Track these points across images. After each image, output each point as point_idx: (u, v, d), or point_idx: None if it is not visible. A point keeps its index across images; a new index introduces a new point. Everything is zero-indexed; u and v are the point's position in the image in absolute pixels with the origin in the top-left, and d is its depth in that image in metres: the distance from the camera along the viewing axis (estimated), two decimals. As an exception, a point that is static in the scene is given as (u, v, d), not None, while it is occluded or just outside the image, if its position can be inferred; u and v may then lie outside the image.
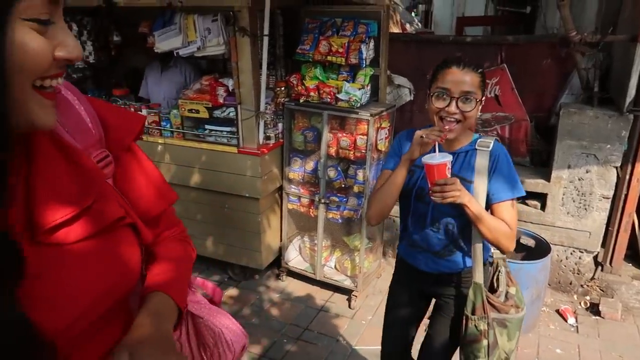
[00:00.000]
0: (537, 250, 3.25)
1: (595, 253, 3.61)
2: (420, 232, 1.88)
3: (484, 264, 1.88)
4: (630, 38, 3.13)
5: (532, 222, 3.61)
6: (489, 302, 1.82)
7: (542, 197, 3.59)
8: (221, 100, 3.16)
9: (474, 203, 1.66)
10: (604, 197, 3.42)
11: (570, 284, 3.69)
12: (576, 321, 3.39)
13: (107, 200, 0.73)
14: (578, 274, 3.66)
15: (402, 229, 2.02)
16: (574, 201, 3.49)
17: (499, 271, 1.96)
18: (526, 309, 3.06)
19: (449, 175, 1.59)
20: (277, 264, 3.78)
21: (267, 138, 3.25)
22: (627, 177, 3.38)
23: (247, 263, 3.58)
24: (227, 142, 3.25)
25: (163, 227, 0.95)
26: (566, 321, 3.39)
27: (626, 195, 3.43)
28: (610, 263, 3.63)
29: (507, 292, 1.91)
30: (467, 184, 1.72)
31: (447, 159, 1.59)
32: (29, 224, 0.64)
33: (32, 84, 0.59)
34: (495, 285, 1.93)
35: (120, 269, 0.75)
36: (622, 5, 3.58)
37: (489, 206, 1.76)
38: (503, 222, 1.72)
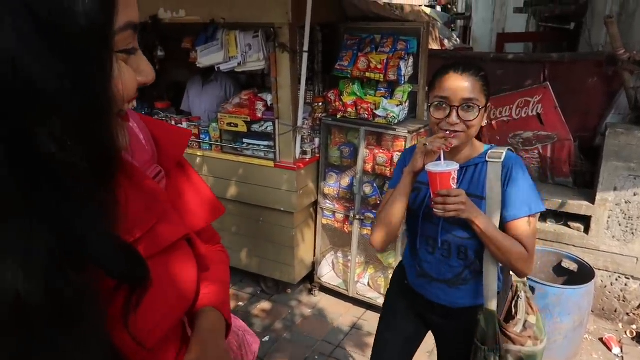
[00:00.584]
0: (580, 275, 3.12)
1: (643, 280, 3.44)
2: (429, 257, 1.69)
3: (500, 291, 1.68)
4: (683, 57, 3.00)
5: (574, 246, 3.47)
6: (502, 331, 1.61)
7: (585, 220, 3.45)
8: (259, 115, 3.20)
9: (483, 219, 1.50)
10: (653, 222, 3.27)
11: (615, 311, 3.52)
12: (621, 351, 3.23)
13: (169, 220, 0.75)
14: (624, 301, 3.49)
15: (410, 256, 1.81)
16: (620, 225, 3.35)
17: (519, 296, 1.72)
18: (568, 336, 2.96)
19: (454, 186, 1.45)
20: (310, 279, 3.77)
21: (304, 153, 3.26)
22: (679, 201, 3.22)
23: (280, 277, 3.58)
24: (264, 156, 3.29)
25: (205, 239, 0.95)
26: (610, 350, 3.24)
27: (677, 221, 3.27)
28: (659, 291, 3.45)
29: (525, 321, 1.68)
30: (479, 200, 1.56)
31: (453, 167, 1.45)
32: None
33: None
34: (514, 311, 1.71)
35: (182, 285, 0.76)
36: (674, 22, 3.45)
37: (503, 224, 1.58)
38: (518, 242, 1.54)
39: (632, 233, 3.33)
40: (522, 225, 1.55)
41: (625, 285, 3.46)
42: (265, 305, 3.64)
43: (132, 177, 0.71)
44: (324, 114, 3.37)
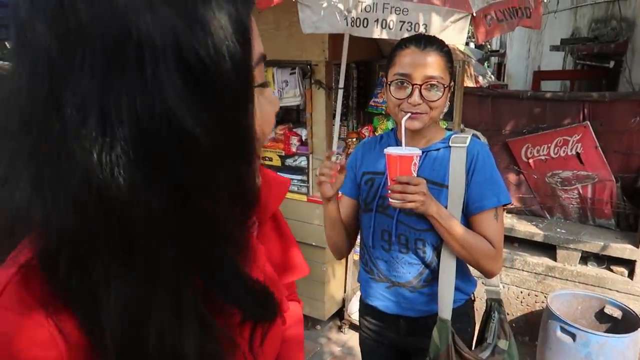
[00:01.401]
0: (624, 322, 2.96)
1: (693, 331, 3.24)
2: (385, 255, 1.49)
3: (467, 301, 1.53)
4: None
5: (618, 291, 3.31)
6: (457, 350, 1.41)
7: (629, 264, 3.31)
8: (294, 149, 3.24)
9: (444, 213, 1.34)
10: (702, 269, 3.10)
11: (664, 363, 3.31)
12: (671, 407, 3.02)
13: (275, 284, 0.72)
14: (672, 353, 3.29)
15: (363, 259, 1.60)
16: (666, 270, 3.19)
17: (492, 317, 1.56)
18: (612, 389, 2.79)
19: (414, 174, 1.29)
20: (340, 316, 3.71)
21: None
22: None
23: (310, 312, 3.54)
24: (297, 190, 3.31)
25: (289, 286, 0.92)
26: (659, 406, 3.03)
27: None
28: None
29: (495, 346, 1.50)
30: (439, 189, 1.40)
31: (415, 152, 1.30)
32: None
33: None
34: (486, 334, 1.54)
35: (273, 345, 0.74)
36: None
37: (467, 218, 1.43)
38: (484, 238, 1.39)
39: (680, 280, 3.16)
40: (489, 219, 1.40)
41: (674, 335, 3.26)
42: (293, 341, 3.58)
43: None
44: (358, 150, 3.39)
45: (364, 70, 3.46)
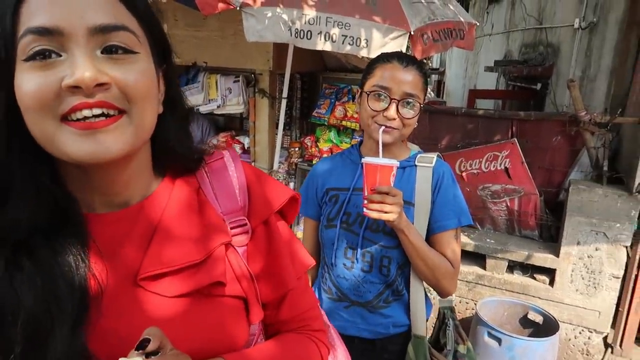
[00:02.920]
0: (545, 327, 3.17)
1: (605, 334, 3.51)
2: (347, 273, 1.46)
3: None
4: (639, 121, 3.20)
5: (540, 298, 3.54)
6: None
7: (550, 273, 3.54)
8: (236, 157, 3.23)
9: (413, 229, 1.34)
10: (614, 277, 3.37)
11: (580, 365, 3.56)
12: (585, 406, 3.24)
13: (216, 263, 0.71)
14: (587, 354, 3.54)
15: (322, 277, 1.56)
16: (583, 278, 3.44)
17: (446, 324, 1.59)
18: (533, 390, 2.96)
19: (392, 185, 1.27)
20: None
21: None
22: (638, 257, 3.34)
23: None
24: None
25: (285, 313, 0.84)
26: (575, 405, 3.25)
27: (636, 276, 3.38)
28: (621, 345, 3.51)
29: (456, 351, 1.55)
30: (407, 206, 1.38)
31: (394, 163, 1.27)
32: (139, 267, 0.66)
33: (62, 117, 0.58)
34: (442, 342, 1.57)
35: (207, 334, 0.71)
36: (631, 88, 3.69)
37: (428, 236, 1.43)
38: (444, 257, 1.40)
39: (594, 287, 3.42)
40: (449, 238, 1.41)
41: (589, 338, 3.52)
42: None
43: (199, 210, 0.73)
44: (300, 159, 3.43)
45: (308, 81, 3.53)
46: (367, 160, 1.28)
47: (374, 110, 1.36)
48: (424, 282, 1.46)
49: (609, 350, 3.53)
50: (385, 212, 1.24)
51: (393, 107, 1.34)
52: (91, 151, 0.59)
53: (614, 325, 3.51)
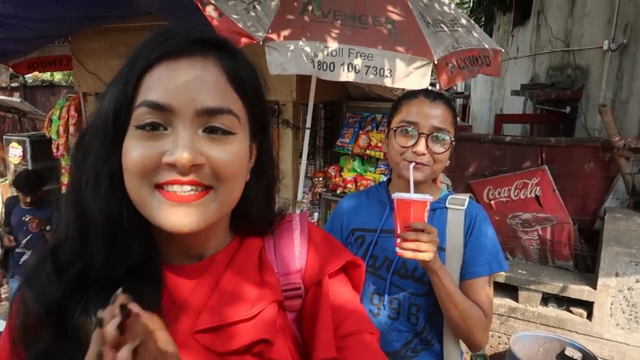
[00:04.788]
0: (584, 364, 3.00)
1: (650, 371, 3.30)
2: (374, 320, 1.35)
3: None
4: (677, 146, 3.07)
5: (577, 332, 3.37)
6: None
7: (588, 306, 3.37)
8: (260, 188, 3.22)
9: (447, 273, 1.24)
10: (657, 311, 3.19)
11: (623, 405, 3.35)
12: None
13: (265, 321, 0.71)
14: (631, 394, 3.33)
15: None
16: (623, 312, 3.26)
17: None
18: None
19: (426, 221, 1.18)
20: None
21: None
22: (682, 290, 3.16)
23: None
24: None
25: None
26: None
27: (681, 310, 3.19)
28: (668, 384, 3.30)
29: None
30: (438, 251, 1.25)
31: (428, 198, 1.18)
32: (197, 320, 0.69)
33: (156, 184, 0.63)
34: None
35: None
36: (667, 111, 3.56)
37: (461, 281, 1.33)
38: (477, 306, 1.29)
39: (637, 321, 3.23)
40: (482, 286, 1.31)
41: (632, 376, 3.32)
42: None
43: (262, 271, 0.74)
44: (324, 189, 3.40)
45: (331, 111, 3.52)
46: (399, 195, 1.19)
47: (402, 146, 1.30)
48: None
49: (655, 389, 3.32)
50: (421, 251, 1.14)
51: (422, 141, 1.28)
52: (177, 222, 0.63)
53: (658, 362, 3.31)
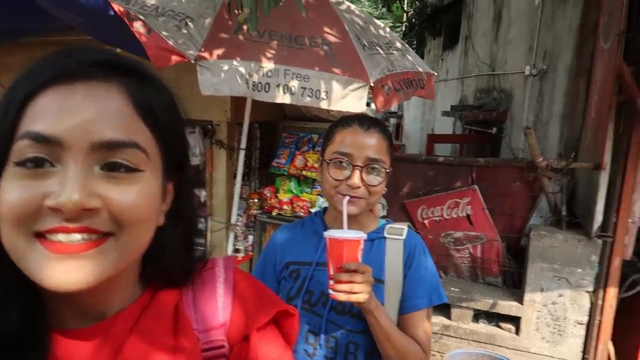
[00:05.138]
0: (514, 379, 3.09)
1: (574, 382, 3.46)
2: (308, 357, 1.29)
3: None
4: (594, 166, 3.27)
5: (507, 347, 3.47)
6: None
7: (516, 321, 3.49)
8: (192, 211, 3.09)
9: (383, 311, 1.19)
10: (578, 323, 3.36)
11: (550, 416, 3.48)
12: None
13: None
14: (557, 404, 3.47)
15: None
16: (548, 326, 3.41)
17: None
18: None
19: (360, 261, 1.13)
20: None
21: (236, 251, 3.15)
22: (600, 302, 3.35)
23: None
24: (195, 253, 3.13)
25: None
26: None
27: (600, 322, 3.38)
28: (590, 393, 3.47)
29: None
30: (376, 284, 1.22)
31: (361, 235, 1.13)
32: None
33: (36, 233, 0.51)
34: None
35: None
36: (583, 133, 3.80)
37: (399, 315, 1.28)
38: (414, 341, 1.24)
39: (560, 334, 3.39)
40: (420, 319, 1.26)
41: (558, 387, 3.46)
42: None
43: (177, 331, 0.63)
44: (259, 211, 3.32)
45: (267, 131, 3.47)
46: (330, 234, 1.13)
47: (336, 179, 1.24)
48: None
49: (578, 398, 3.48)
50: (355, 293, 1.09)
51: (356, 174, 1.23)
52: (63, 280, 0.51)
53: (581, 372, 3.47)
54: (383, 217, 1.43)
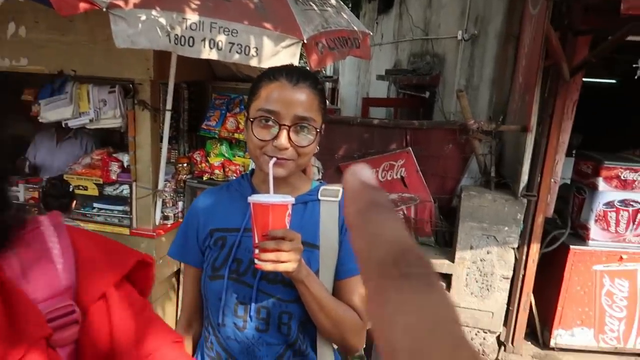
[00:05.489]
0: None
1: (498, 333, 3.66)
2: (239, 334, 1.17)
3: None
4: (521, 128, 3.37)
5: (439, 304, 3.59)
6: None
7: (447, 278, 3.61)
8: (114, 177, 2.87)
9: (314, 279, 1.12)
10: (504, 278, 3.52)
11: (477, 366, 3.67)
12: (485, 407, 3.34)
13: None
14: (483, 354, 3.66)
15: (207, 342, 1.24)
16: (476, 281, 3.55)
17: None
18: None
19: (288, 227, 1.06)
20: (173, 357, 3.38)
21: (165, 218, 2.98)
22: (524, 258, 3.52)
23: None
24: (119, 222, 2.94)
25: None
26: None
27: (524, 276, 3.56)
28: (512, 342, 3.68)
29: None
30: (310, 250, 1.16)
31: (289, 200, 1.05)
32: None
33: None
34: None
35: None
36: (510, 96, 3.91)
37: (335, 281, 1.20)
38: (351, 309, 1.17)
39: (487, 289, 3.54)
40: (357, 285, 1.18)
41: (484, 339, 3.64)
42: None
43: (7, 303, 0.55)
44: (189, 176, 3.14)
45: (195, 92, 3.26)
46: (255, 199, 1.03)
47: (261, 139, 1.11)
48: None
49: (502, 348, 3.69)
50: (282, 262, 1.01)
51: (283, 134, 1.10)
52: None
53: (505, 323, 3.67)
54: (318, 180, 1.33)
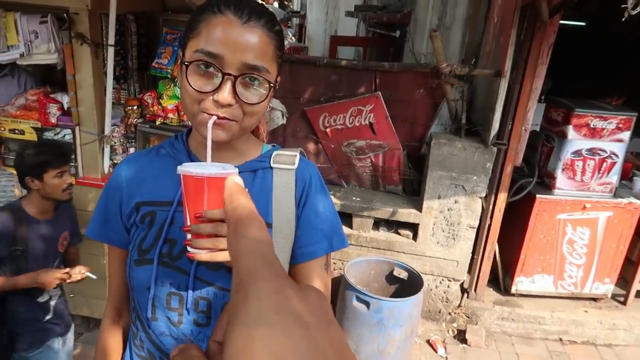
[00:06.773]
0: (410, 282, 3.17)
1: (462, 281, 3.67)
2: (174, 330, 0.97)
3: None
4: (495, 73, 3.21)
5: (404, 252, 3.55)
6: None
7: (414, 227, 3.55)
8: (53, 120, 2.58)
9: None
10: (470, 227, 3.48)
11: (440, 312, 3.71)
12: (445, 351, 3.39)
13: None
14: (446, 302, 3.69)
15: (136, 339, 1.03)
16: (443, 231, 3.50)
17: None
18: (400, 346, 2.98)
19: None
20: (129, 309, 3.25)
21: (115, 166, 2.74)
22: (491, 207, 3.48)
23: (91, 313, 3.01)
24: (62, 170, 2.67)
25: None
26: (436, 352, 3.38)
27: (489, 225, 3.53)
28: (475, 290, 3.72)
29: None
30: None
31: (231, 170, 0.78)
32: None
33: None
34: None
35: None
36: (483, 38, 3.71)
37: (291, 265, 1.03)
38: None
39: (453, 238, 3.51)
40: (318, 268, 1.02)
41: (448, 287, 3.65)
42: (71, 347, 3.03)
43: None
44: (140, 120, 2.87)
45: (145, 25, 2.92)
46: (186, 169, 0.77)
47: (199, 91, 0.85)
48: None
49: (465, 295, 3.72)
50: (221, 250, 0.80)
51: (227, 87, 0.84)
52: None
53: (470, 271, 3.69)
54: (272, 145, 1.08)
